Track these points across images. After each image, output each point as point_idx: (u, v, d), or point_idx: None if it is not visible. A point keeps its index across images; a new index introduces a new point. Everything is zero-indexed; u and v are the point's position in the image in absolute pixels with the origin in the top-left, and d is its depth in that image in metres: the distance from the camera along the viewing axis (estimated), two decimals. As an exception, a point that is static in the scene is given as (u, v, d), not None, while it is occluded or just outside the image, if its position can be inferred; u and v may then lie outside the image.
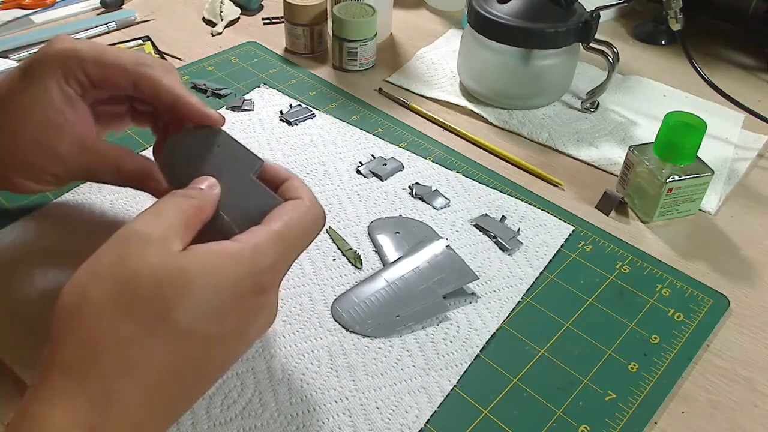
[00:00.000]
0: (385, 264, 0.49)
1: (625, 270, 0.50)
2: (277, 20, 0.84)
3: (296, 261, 0.48)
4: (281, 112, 0.66)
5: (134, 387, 0.29)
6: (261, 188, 0.37)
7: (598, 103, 0.70)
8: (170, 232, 0.32)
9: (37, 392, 0.28)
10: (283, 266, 0.35)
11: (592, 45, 0.66)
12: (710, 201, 0.57)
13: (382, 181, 0.58)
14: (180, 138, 0.40)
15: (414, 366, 0.42)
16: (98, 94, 0.43)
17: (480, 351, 0.44)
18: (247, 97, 0.68)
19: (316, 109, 0.67)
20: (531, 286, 0.48)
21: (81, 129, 0.42)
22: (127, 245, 0.31)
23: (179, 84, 0.42)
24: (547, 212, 0.55)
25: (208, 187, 0.36)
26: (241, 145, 0.39)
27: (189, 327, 0.30)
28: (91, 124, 0.43)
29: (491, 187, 0.57)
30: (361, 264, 0.49)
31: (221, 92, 0.68)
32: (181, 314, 0.30)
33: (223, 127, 0.41)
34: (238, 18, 0.85)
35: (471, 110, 0.68)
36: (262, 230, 0.34)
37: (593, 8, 0.65)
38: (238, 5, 0.86)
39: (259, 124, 0.64)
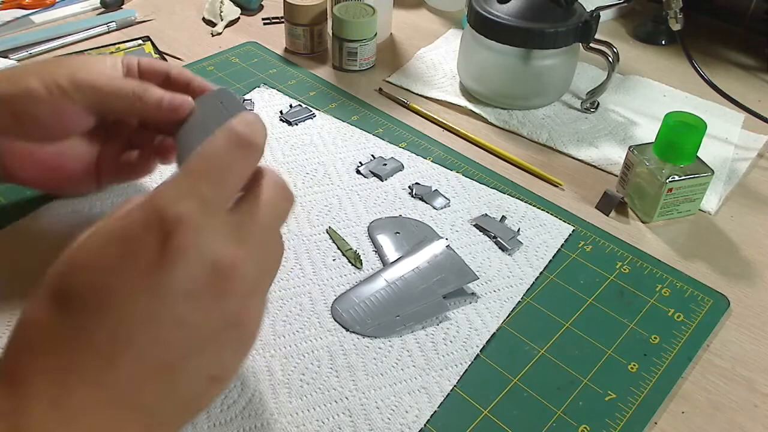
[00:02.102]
0: (385, 264, 0.49)
1: (625, 270, 0.50)
2: (277, 20, 0.84)
3: (296, 261, 0.49)
4: (281, 112, 0.66)
5: (43, 368, 0.27)
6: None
7: (598, 103, 0.70)
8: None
9: None
10: (186, 199, 0.28)
11: (592, 45, 0.66)
12: (710, 201, 0.57)
13: (382, 181, 0.58)
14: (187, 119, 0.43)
15: (414, 366, 0.42)
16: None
17: (480, 351, 0.44)
18: (247, 97, 0.68)
19: (316, 109, 0.67)
20: (531, 286, 0.48)
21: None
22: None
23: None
24: (547, 212, 0.55)
25: None
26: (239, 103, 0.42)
27: (89, 303, 0.28)
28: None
29: (491, 187, 0.57)
30: (361, 264, 0.49)
31: (221, 92, 0.68)
32: (79, 295, 0.28)
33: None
34: (238, 18, 0.85)
35: (471, 110, 0.68)
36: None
37: (593, 8, 0.65)
38: (238, 5, 0.86)
39: (259, 124, 0.64)
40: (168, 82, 0.46)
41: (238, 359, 0.32)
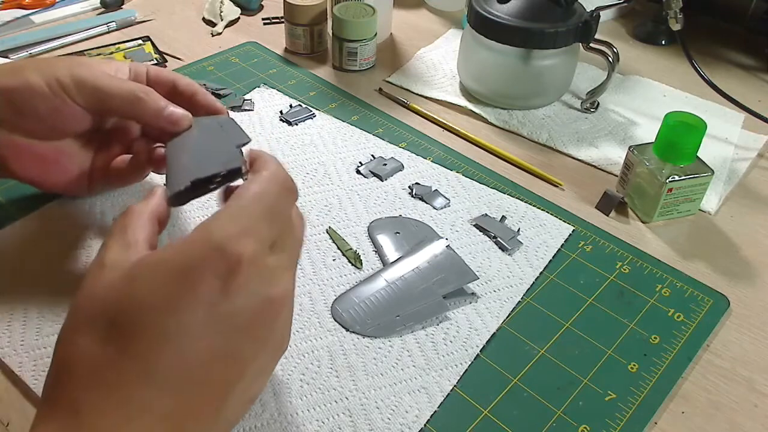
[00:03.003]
0: (385, 264, 0.49)
1: (625, 270, 0.50)
2: (277, 20, 0.84)
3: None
4: (281, 112, 0.66)
5: (108, 402, 0.28)
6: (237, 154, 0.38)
7: (598, 103, 0.70)
8: (117, 249, 0.31)
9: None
10: (245, 236, 0.30)
11: (592, 45, 0.66)
12: (710, 201, 0.57)
13: (382, 181, 0.58)
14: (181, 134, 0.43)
15: (414, 366, 0.42)
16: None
17: (480, 351, 0.44)
18: (247, 97, 0.68)
19: (316, 109, 0.67)
20: (531, 286, 0.48)
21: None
22: (87, 278, 0.31)
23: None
24: (547, 212, 0.55)
25: (153, 190, 0.36)
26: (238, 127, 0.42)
27: (154, 332, 0.28)
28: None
29: (491, 187, 0.57)
30: (361, 264, 0.49)
31: (221, 92, 0.68)
32: (141, 323, 0.28)
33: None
34: (238, 18, 0.85)
35: (471, 110, 0.68)
36: (217, 212, 0.31)
37: (593, 8, 0.65)
38: (238, 5, 0.86)
39: (259, 124, 0.64)
40: (174, 92, 0.46)
41: (268, 377, 0.35)
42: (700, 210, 0.57)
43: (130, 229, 0.32)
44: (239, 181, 0.35)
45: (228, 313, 0.29)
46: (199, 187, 0.37)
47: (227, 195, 0.35)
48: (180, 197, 0.37)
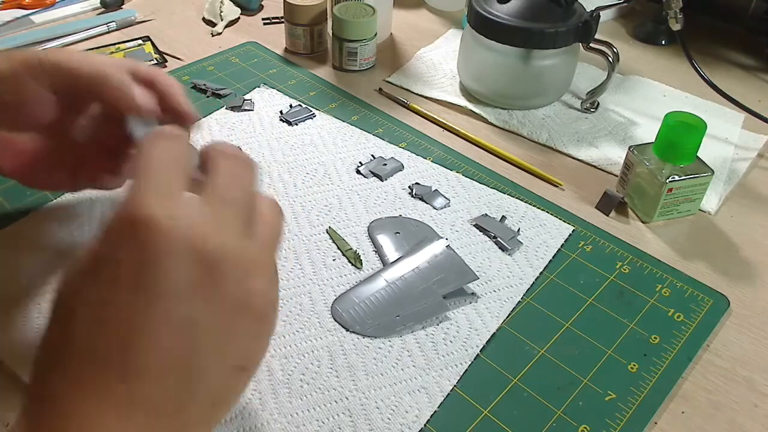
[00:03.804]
0: (385, 264, 0.49)
1: (625, 270, 0.50)
2: (277, 20, 0.84)
3: (296, 261, 0.49)
4: (281, 112, 0.66)
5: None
6: None
7: (598, 103, 0.70)
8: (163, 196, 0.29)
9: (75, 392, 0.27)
10: (228, 225, 0.30)
11: (592, 45, 0.66)
12: (710, 201, 0.57)
13: (382, 181, 0.58)
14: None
15: (414, 366, 0.42)
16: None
17: (480, 351, 0.44)
18: (247, 97, 0.68)
19: (316, 109, 0.67)
20: (531, 286, 0.48)
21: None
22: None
23: (135, 95, 0.41)
24: (547, 212, 0.55)
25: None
26: None
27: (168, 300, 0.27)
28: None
29: (491, 187, 0.57)
30: (361, 264, 0.49)
31: (221, 92, 0.68)
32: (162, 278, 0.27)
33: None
34: (238, 18, 0.86)
35: (471, 110, 0.68)
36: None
37: (593, 8, 0.65)
38: (238, 5, 0.86)
39: (259, 124, 0.64)
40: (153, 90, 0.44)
41: (258, 343, 0.32)
42: (700, 210, 0.57)
43: (167, 173, 0.30)
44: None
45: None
46: None
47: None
48: None
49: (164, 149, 0.31)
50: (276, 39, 0.80)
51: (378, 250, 0.51)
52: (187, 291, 0.28)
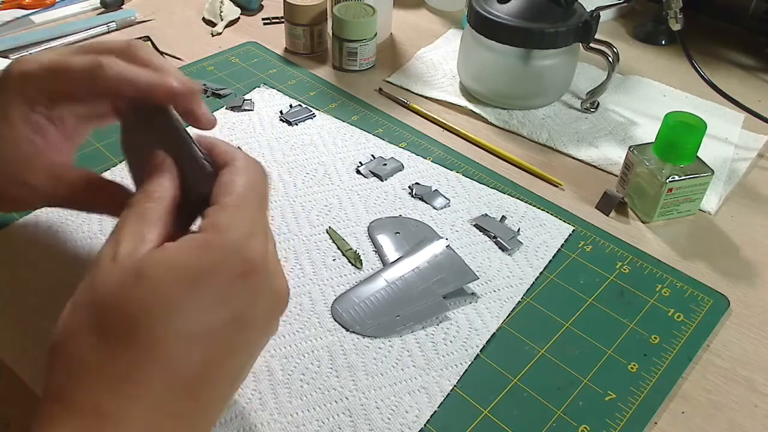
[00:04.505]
0: (385, 264, 0.49)
1: (625, 270, 0.50)
2: (277, 20, 0.84)
3: (296, 261, 0.49)
4: (281, 112, 0.66)
5: (130, 404, 0.28)
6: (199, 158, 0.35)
7: (598, 103, 0.70)
8: (131, 243, 0.30)
9: (34, 425, 0.28)
10: (255, 236, 0.31)
11: (592, 45, 0.66)
12: (710, 201, 0.57)
13: (382, 181, 0.58)
14: (129, 120, 0.39)
15: (414, 366, 0.42)
16: (68, 106, 0.40)
17: (480, 351, 0.44)
18: (247, 97, 0.68)
19: (316, 109, 0.67)
20: (531, 286, 0.48)
21: (52, 155, 0.40)
22: (95, 270, 0.30)
23: (141, 74, 0.36)
24: (547, 212, 0.55)
25: (157, 176, 0.34)
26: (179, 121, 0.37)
27: (170, 333, 0.28)
28: (63, 146, 0.40)
29: (491, 187, 0.57)
30: (361, 264, 0.49)
31: (221, 92, 0.68)
32: (155, 323, 0.28)
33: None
34: (238, 18, 0.85)
35: (471, 110, 0.68)
36: (218, 210, 0.31)
37: (593, 8, 0.65)
38: (238, 5, 0.86)
39: (259, 124, 0.64)
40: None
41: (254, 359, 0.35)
42: (700, 210, 0.57)
43: (147, 219, 0.31)
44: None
45: (248, 313, 0.31)
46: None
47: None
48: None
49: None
50: (276, 39, 0.80)
51: (378, 250, 0.51)
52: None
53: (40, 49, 0.75)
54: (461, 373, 0.42)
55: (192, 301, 0.29)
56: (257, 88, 0.70)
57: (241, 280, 0.30)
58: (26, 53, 0.74)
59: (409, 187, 0.57)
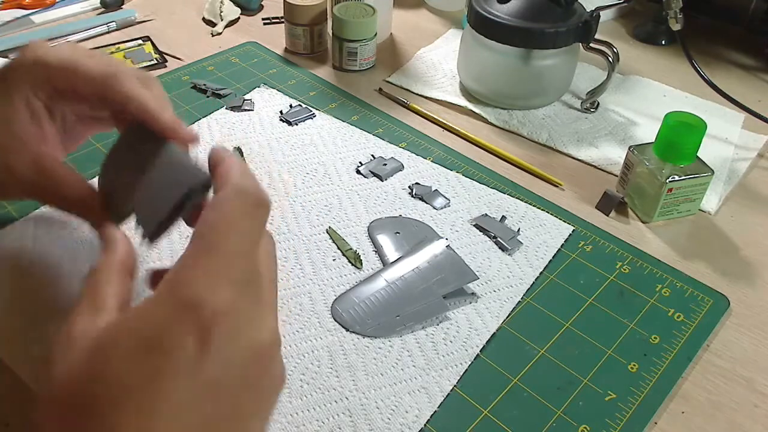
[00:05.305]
0: (385, 264, 0.49)
1: (625, 270, 0.50)
2: (277, 20, 0.84)
3: (296, 261, 0.49)
4: (281, 112, 0.66)
5: None
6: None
7: (598, 103, 0.70)
8: (86, 317, 0.28)
9: None
10: (224, 283, 0.27)
11: (592, 45, 0.66)
12: (710, 201, 0.57)
13: (382, 181, 0.58)
14: (128, 136, 0.38)
15: (414, 366, 0.42)
16: (71, 104, 0.40)
17: (480, 351, 0.44)
18: (247, 97, 0.68)
19: (316, 109, 0.67)
20: (531, 286, 0.48)
21: (43, 145, 0.39)
22: (56, 351, 0.28)
23: (152, 99, 0.37)
24: (547, 212, 0.55)
25: (109, 242, 0.33)
26: (187, 158, 0.36)
27: (131, 421, 0.25)
28: (55, 140, 0.40)
29: (491, 187, 0.57)
30: (361, 264, 0.49)
31: (221, 92, 0.68)
32: (113, 411, 0.25)
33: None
34: (238, 18, 0.86)
35: (471, 110, 0.68)
36: (183, 257, 0.28)
37: (593, 8, 0.65)
38: (238, 5, 0.86)
39: (259, 124, 0.64)
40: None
41: (270, 415, 0.32)
42: (700, 210, 0.57)
43: (97, 290, 0.30)
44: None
45: (214, 375, 0.26)
46: (173, 215, 0.34)
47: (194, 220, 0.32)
48: (158, 232, 0.34)
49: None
50: (276, 39, 0.80)
51: (378, 250, 0.51)
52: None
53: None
54: (461, 373, 0.42)
55: (148, 374, 0.25)
56: (257, 88, 0.70)
57: (199, 340, 0.26)
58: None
59: (409, 187, 0.57)
